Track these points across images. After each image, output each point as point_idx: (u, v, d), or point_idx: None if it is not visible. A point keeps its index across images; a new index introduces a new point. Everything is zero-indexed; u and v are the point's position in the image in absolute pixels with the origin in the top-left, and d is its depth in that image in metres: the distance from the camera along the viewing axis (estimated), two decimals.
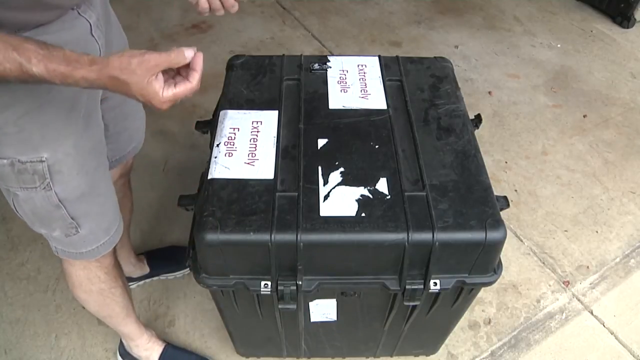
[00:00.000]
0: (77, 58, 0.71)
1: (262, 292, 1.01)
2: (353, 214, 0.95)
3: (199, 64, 0.80)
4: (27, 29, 0.80)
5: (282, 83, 1.22)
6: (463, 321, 1.60)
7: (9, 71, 0.68)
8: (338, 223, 0.94)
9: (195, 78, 0.80)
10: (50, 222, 1.01)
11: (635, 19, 2.82)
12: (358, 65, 1.28)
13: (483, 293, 1.67)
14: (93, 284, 1.18)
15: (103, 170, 1.06)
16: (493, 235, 0.95)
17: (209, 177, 1.01)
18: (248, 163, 1.03)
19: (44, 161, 0.90)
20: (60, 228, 1.02)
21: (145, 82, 0.74)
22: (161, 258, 1.70)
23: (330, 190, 0.99)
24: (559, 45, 2.74)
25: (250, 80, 1.23)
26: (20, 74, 0.69)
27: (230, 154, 1.05)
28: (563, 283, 1.74)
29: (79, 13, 0.89)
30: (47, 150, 0.90)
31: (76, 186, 0.97)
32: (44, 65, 0.69)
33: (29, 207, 0.97)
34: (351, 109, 1.16)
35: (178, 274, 1.70)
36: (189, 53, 0.75)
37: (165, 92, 0.76)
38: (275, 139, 1.08)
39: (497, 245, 0.98)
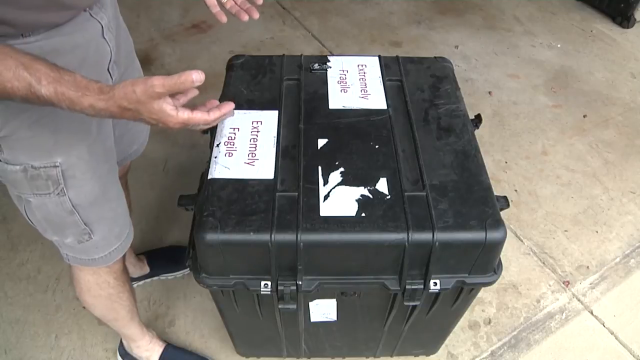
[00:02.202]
0: (86, 85, 0.69)
1: (262, 292, 1.01)
2: (353, 214, 0.95)
3: (227, 109, 0.79)
4: (39, 31, 0.79)
5: (282, 83, 1.22)
6: (463, 321, 1.60)
7: (16, 89, 0.67)
8: (338, 223, 0.94)
9: (214, 115, 0.77)
10: (63, 229, 0.99)
11: (635, 19, 2.82)
12: (358, 65, 1.28)
13: (483, 293, 1.67)
14: (102, 289, 1.17)
15: (113, 175, 1.05)
16: (493, 235, 0.95)
17: (209, 177, 1.01)
18: (248, 163, 1.03)
19: (57, 166, 0.89)
20: (73, 234, 1.00)
21: (154, 106, 0.71)
22: (161, 258, 1.70)
23: (330, 190, 0.99)
24: (559, 45, 2.74)
25: (250, 80, 1.23)
26: (27, 93, 0.67)
27: (230, 154, 1.05)
28: (563, 283, 1.74)
29: (90, 15, 0.88)
30: (61, 155, 0.89)
31: (89, 191, 0.96)
32: (54, 88, 0.67)
33: (41, 213, 0.96)
34: (351, 109, 1.16)
35: (178, 274, 1.70)
36: (196, 76, 0.69)
37: (181, 113, 0.73)
38: (275, 139, 1.08)
39: (497, 245, 0.98)
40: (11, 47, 0.68)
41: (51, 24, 0.80)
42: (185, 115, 0.74)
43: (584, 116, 2.34)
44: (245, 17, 1.03)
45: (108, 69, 0.96)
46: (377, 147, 1.08)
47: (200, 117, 0.76)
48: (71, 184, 0.93)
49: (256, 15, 1.03)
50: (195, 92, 0.78)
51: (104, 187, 1.00)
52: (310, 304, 1.13)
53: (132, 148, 1.27)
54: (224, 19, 1.02)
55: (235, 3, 1.04)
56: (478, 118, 1.21)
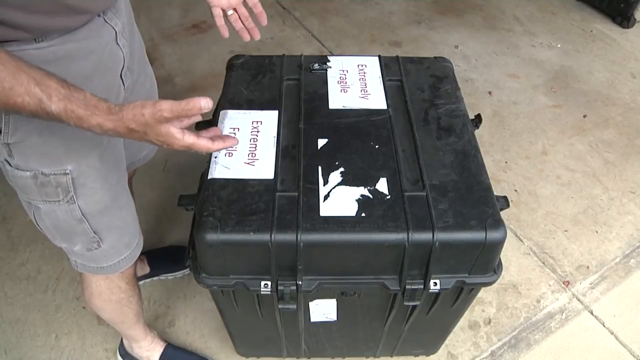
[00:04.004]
0: (96, 104, 0.70)
1: (262, 292, 1.01)
2: (353, 214, 0.95)
3: (230, 143, 0.83)
4: (52, 35, 0.78)
5: (282, 83, 1.22)
6: (463, 321, 1.60)
7: (26, 104, 0.66)
8: (338, 223, 0.94)
9: (218, 145, 0.80)
10: (72, 237, 0.99)
11: (635, 19, 2.82)
12: (358, 65, 1.28)
13: (483, 293, 1.67)
14: (113, 294, 1.17)
15: (123, 183, 1.04)
16: (493, 235, 0.94)
17: (209, 177, 1.01)
18: (248, 163, 1.03)
19: (68, 174, 0.88)
20: (82, 242, 1.00)
21: (162, 130, 0.73)
22: (161, 258, 1.70)
23: (330, 190, 0.99)
24: (559, 45, 2.75)
25: (250, 80, 1.23)
26: (37, 109, 0.67)
27: (230, 154, 1.05)
28: (563, 283, 1.74)
29: (105, 20, 0.87)
30: (72, 163, 0.88)
31: (99, 199, 0.96)
32: (64, 105, 0.68)
33: (50, 220, 0.95)
34: (351, 109, 1.16)
35: (178, 274, 1.70)
36: (204, 103, 0.71)
37: (187, 137, 0.75)
38: (275, 139, 1.08)
39: (497, 245, 0.98)
40: (24, 61, 0.67)
41: (64, 29, 0.79)
42: (190, 139, 0.76)
43: (584, 116, 2.34)
44: (247, 37, 1.10)
45: (121, 76, 0.95)
46: (377, 147, 1.08)
47: (204, 144, 0.78)
48: (81, 192, 0.92)
49: (257, 36, 1.10)
50: (199, 118, 0.81)
51: (114, 196, 1.00)
52: (310, 304, 1.13)
53: (141, 153, 1.27)
54: (226, 34, 1.07)
55: (239, 18, 1.08)
56: (478, 118, 1.21)
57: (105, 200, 0.97)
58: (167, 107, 0.70)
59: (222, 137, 0.82)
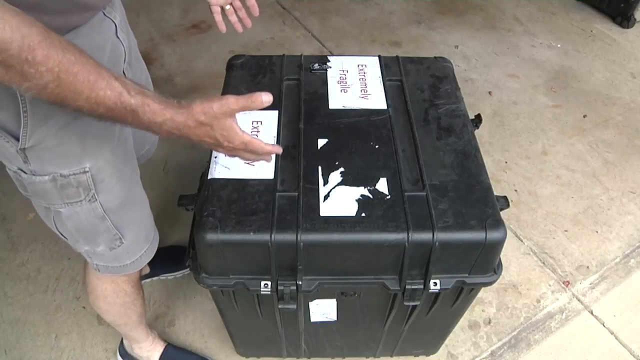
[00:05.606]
0: (165, 99, 0.72)
1: (262, 292, 1.01)
2: (353, 214, 0.95)
3: (277, 150, 0.88)
4: (60, 34, 0.77)
5: (282, 83, 1.22)
6: (463, 321, 1.60)
7: (107, 98, 0.66)
8: (338, 223, 0.94)
9: (268, 147, 0.84)
10: (94, 237, 0.98)
11: (635, 19, 2.82)
12: (358, 65, 1.28)
13: (483, 293, 1.67)
14: (118, 297, 1.17)
15: (136, 176, 1.05)
16: (493, 235, 0.95)
17: (209, 177, 1.01)
18: (248, 163, 1.03)
19: (87, 171, 0.87)
20: (105, 242, 0.99)
21: (227, 123, 0.77)
22: (161, 258, 1.69)
23: (330, 190, 0.99)
24: (559, 45, 2.75)
25: (250, 80, 1.23)
26: (115, 102, 0.67)
27: None
28: (563, 283, 1.74)
29: (104, 14, 0.87)
30: (89, 160, 0.88)
31: (117, 194, 0.96)
32: (141, 99, 0.69)
33: (73, 223, 0.94)
34: (351, 109, 1.16)
35: (178, 274, 1.70)
36: (265, 98, 0.77)
37: (245, 135, 0.80)
38: (275, 139, 1.08)
39: (497, 245, 0.98)
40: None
41: (72, 27, 0.79)
42: (248, 137, 0.81)
43: (584, 116, 2.34)
44: (240, 29, 1.15)
45: (123, 71, 0.95)
46: (377, 147, 1.08)
47: (258, 142, 0.83)
48: (101, 188, 0.91)
49: (249, 24, 1.16)
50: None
51: (130, 189, 0.99)
52: (310, 304, 1.13)
53: (143, 149, 1.26)
54: (224, 29, 1.13)
55: (235, 11, 1.13)
56: (478, 118, 1.21)
57: (122, 194, 0.97)
58: (233, 100, 0.76)
59: (273, 144, 0.87)
